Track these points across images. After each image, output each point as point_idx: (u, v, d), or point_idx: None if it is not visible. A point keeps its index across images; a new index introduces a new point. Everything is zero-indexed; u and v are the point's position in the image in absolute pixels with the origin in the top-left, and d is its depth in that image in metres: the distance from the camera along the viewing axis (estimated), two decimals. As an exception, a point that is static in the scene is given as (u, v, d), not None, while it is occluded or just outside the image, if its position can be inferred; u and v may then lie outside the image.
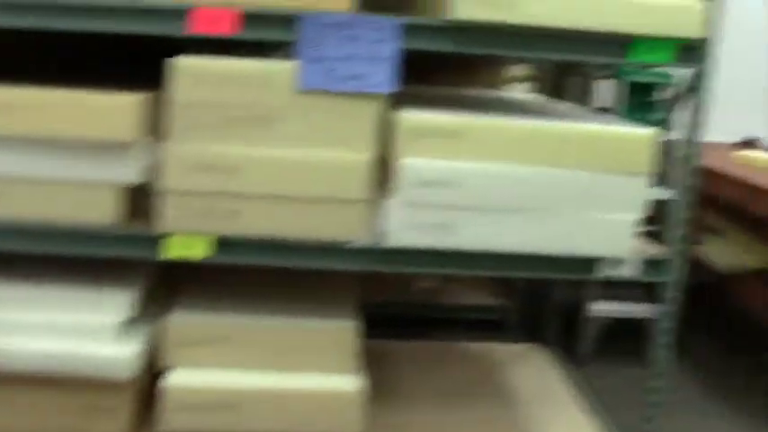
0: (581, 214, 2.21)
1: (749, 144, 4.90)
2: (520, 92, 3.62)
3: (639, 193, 2.22)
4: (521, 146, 2.16)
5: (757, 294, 3.79)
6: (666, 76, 3.78)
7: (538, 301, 3.80)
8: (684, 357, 3.80)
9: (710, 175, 3.88)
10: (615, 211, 2.22)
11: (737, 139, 4.97)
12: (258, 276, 2.58)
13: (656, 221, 2.55)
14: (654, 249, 2.38)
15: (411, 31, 2.09)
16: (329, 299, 2.53)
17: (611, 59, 2.22)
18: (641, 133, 2.21)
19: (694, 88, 2.31)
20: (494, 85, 3.63)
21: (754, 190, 3.64)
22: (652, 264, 2.32)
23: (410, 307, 3.97)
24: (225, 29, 2.07)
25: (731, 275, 3.91)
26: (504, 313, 4.06)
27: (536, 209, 2.19)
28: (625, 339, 3.74)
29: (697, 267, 3.94)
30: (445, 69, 3.49)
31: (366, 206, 2.17)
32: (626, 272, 2.29)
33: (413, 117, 2.13)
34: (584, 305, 3.80)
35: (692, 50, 2.21)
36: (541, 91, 3.58)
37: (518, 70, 3.73)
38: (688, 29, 2.17)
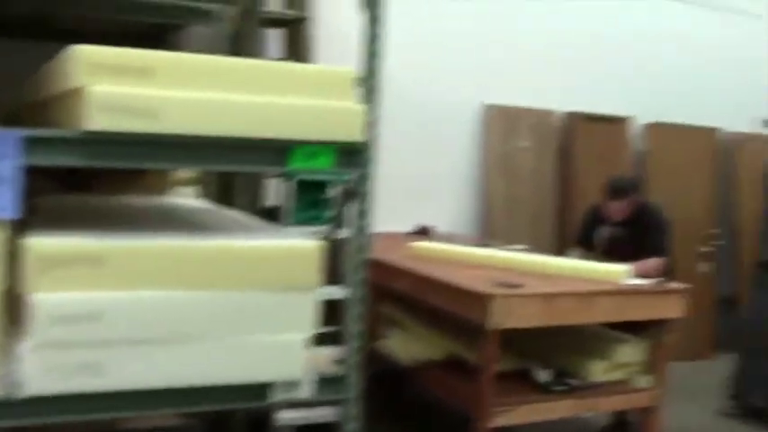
0: (246, 338, 2.02)
1: (422, 232, 4.99)
2: (187, 195, 3.40)
3: (308, 310, 2.07)
4: (172, 269, 1.93)
5: (439, 383, 3.80)
6: (338, 173, 3.72)
7: (223, 414, 3.55)
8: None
9: (386, 269, 3.86)
10: (284, 332, 2.05)
11: (410, 227, 5.06)
12: None
13: (330, 321, 2.42)
14: (330, 359, 2.25)
15: (37, 144, 1.80)
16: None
17: (269, 168, 2.09)
18: (306, 246, 2.07)
19: (357, 192, 2.23)
20: (161, 189, 3.39)
21: (428, 282, 3.66)
22: (329, 381, 2.18)
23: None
24: None
25: (414, 366, 3.90)
26: (188, 430, 3.76)
27: (194, 337, 1.96)
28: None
29: (380, 359, 3.91)
30: (107, 174, 3.20)
31: (-6, 351, 1.84)
32: (302, 393, 2.13)
33: (45, 244, 1.84)
34: (270, 414, 3.61)
35: (353, 154, 2.12)
36: (209, 193, 3.39)
37: (184, 173, 3.51)
38: (348, 133, 2.08)
